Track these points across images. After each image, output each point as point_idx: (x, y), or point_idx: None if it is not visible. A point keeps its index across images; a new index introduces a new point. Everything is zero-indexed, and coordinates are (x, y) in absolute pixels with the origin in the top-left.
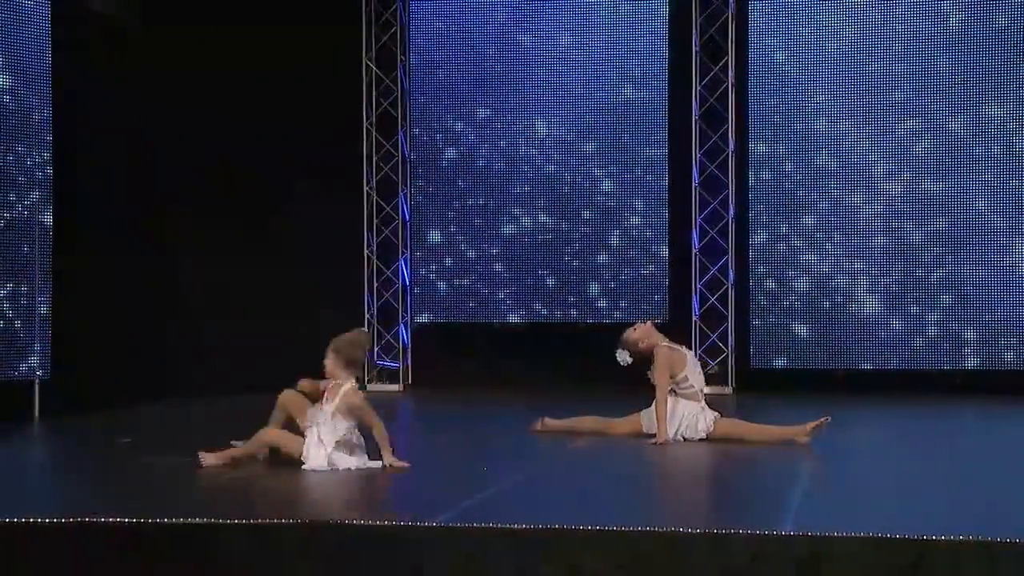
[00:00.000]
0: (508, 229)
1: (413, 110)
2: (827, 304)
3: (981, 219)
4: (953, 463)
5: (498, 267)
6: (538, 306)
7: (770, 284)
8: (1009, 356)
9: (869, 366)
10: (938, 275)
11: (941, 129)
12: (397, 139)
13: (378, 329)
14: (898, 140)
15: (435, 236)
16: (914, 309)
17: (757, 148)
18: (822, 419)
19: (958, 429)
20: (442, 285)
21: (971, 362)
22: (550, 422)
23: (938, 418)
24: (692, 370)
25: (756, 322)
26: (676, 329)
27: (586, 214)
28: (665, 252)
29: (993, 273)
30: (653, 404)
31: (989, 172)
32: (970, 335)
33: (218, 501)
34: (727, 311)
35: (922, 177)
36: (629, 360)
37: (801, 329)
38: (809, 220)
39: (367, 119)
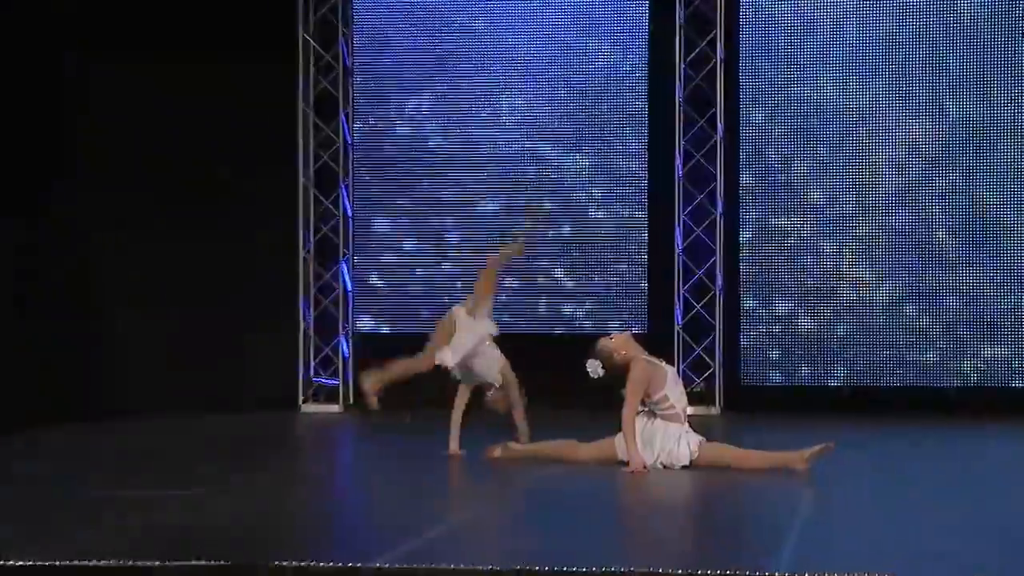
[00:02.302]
0: (465, 226)
1: (357, 90)
2: (829, 312)
3: (996, 219)
4: (974, 494)
5: (453, 269)
6: (499, 313)
7: (764, 289)
8: None
9: (879, 382)
10: (959, 275)
11: (957, 118)
12: (338, 123)
13: (315, 341)
14: (912, 129)
15: (382, 234)
16: (932, 316)
17: (749, 135)
18: (824, 445)
19: (979, 454)
20: (389, 290)
21: (996, 379)
22: (513, 447)
23: (959, 442)
24: (673, 388)
25: (748, 333)
26: (657, 341)
27: (554, 209)
28: (644, 253)
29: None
30: None
31: (1005, 168)
32: (999, 349)
33: (151, 540)
34: (714, 320)
35: (936, 169)
36: (601, 373)
37: (799, 341)
38: (809, 217)
39: (303, 100)
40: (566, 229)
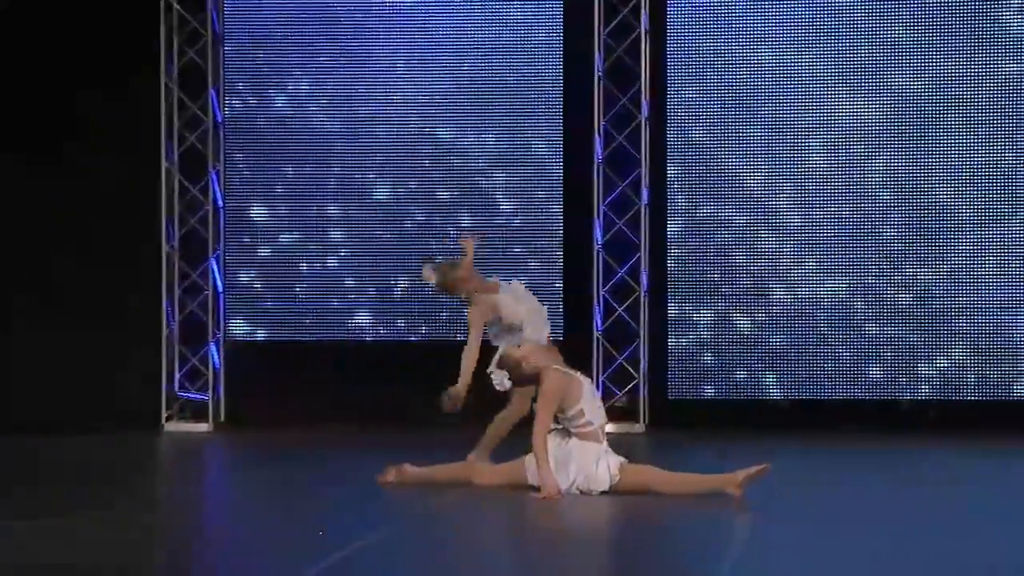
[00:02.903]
0: (352, 218)
1: (228, 62)
2: (767, 316)
3: (953, 213)
4: (922, 519)
5: (338, 267)
6: (391, 318)
7: (695, 291)
8: (987, 384)
9: (822, 394)
10: (910, 274)
11: (912, 96)
12: (207, 99)
13: (180, 350)
14: (860, 108)
15: (257, 228)
16: (882, 320)
17: (678, 114)
18: (760, 466)
19: (929, 473)
20: (266, 292)
21: (949, 391)
22: (408, 469)
23: (909, 460)
24: (590, 402)
25: (676, 340)
26: (573, 349)
27: (454, 199)
28: (559, 249)
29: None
30: None
31: (962, 161)
32: (948, 360)
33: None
34: (639, 325)
35: (886, 151)
36: (508, 384)
37: (734, 349)
38: (745, 208)
39: (166, 73)
40: (468, 222)
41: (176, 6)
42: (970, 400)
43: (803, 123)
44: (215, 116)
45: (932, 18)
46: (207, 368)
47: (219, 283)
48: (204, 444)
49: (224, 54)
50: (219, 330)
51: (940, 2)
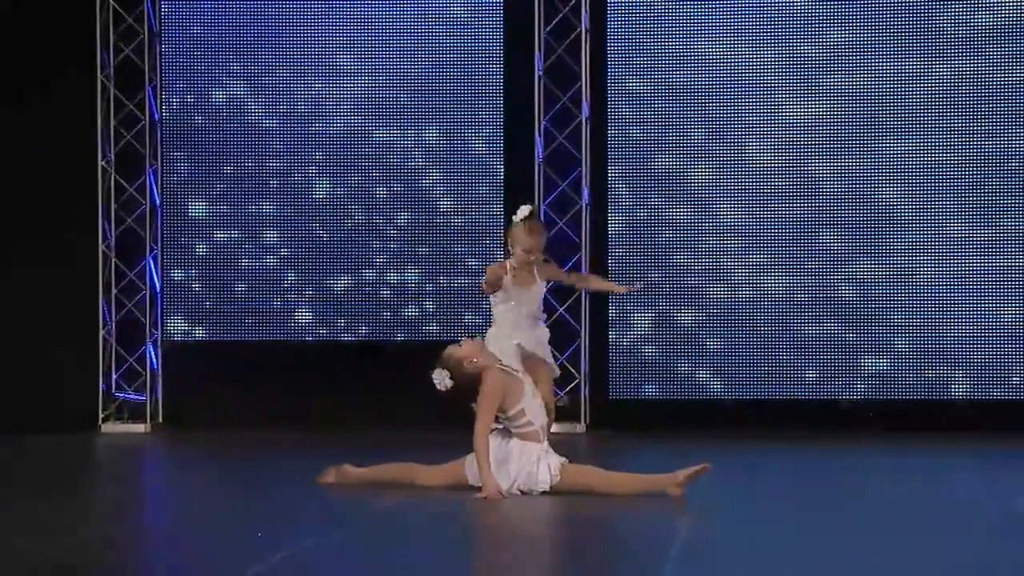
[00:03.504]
0: (292, 218)
1: (166, 58)
2: (709, 315)
3: (895, 208)
4: (859, 519)
5: (278, 265)
6: (332, 318)
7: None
8: (924, 383)
9: (764, 394)
10: (853, 274)
11: (853, 96)
12: (144, 97)
13: (117, 351)
14: (798, 107)
15: (195, 227)
16: (824, 319)
17: (619, 114)
18: (700, 465)
19: (868, 474)
20: (205, 291)
21: (891, 391)
22: (349, 470)
23: (849, 460)
24: (531, 401)
25: (617, 340)
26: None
27: (394, 198)
28: (499, 247)
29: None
30: None
31: (903, 159)
32: (888, 359)
33: None
34: (580, 325)
35: (830, 152)
36: (449, 384)
37: (677, 348)
38: (687, 207)
39: (102, 70)
40: (408, 220)
41: (111, 2)
42: (910, 399)
43: (743, 122)
44: (152, 114)
45: (874, 18)
46: (144, 369)
47: (156, 282)
48: (142, 445)
49: (161, 52)
50: (157, 330)
51: (883, 1)
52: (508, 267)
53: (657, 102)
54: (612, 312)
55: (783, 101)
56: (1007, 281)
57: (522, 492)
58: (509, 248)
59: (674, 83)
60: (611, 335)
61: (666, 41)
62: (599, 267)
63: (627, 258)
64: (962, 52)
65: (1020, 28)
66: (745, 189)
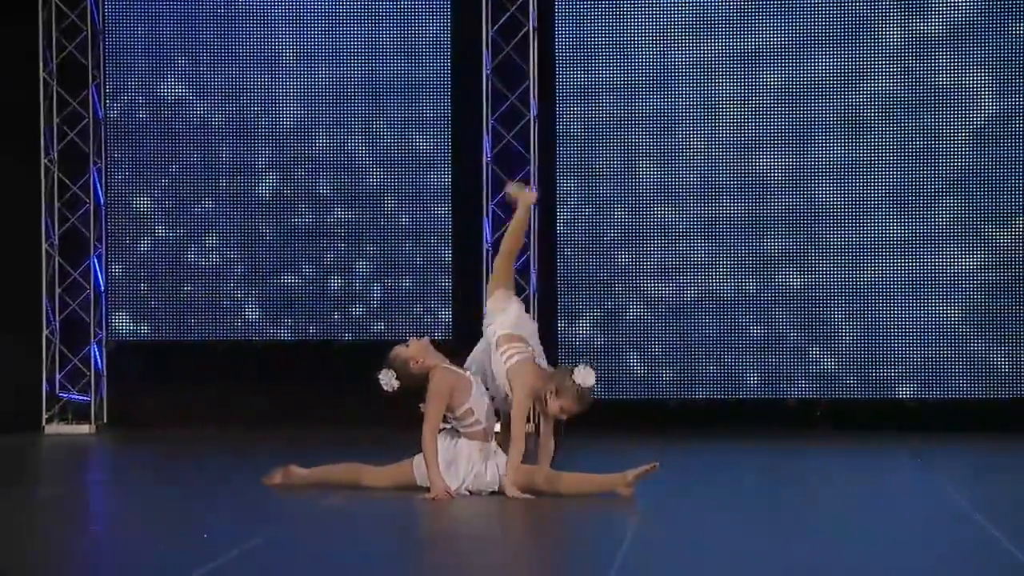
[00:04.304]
0: (241, 217)
1: (109, 56)
2: (657, 316)
3: (846, 204)
4: (809, 517)
5: (223, 264)
6: (279, 317)
7: (584, 289)
8: (881, 381)
9: (712, 393)
10: (798, 271)
11: (790, 87)
12: (88, 95)
13: (61, 350)
14: (745, 99)
15: (141, 225)
16: (769, 318)
17: (567, 111)
18: (649, 465)
19: (811, 474)
20: (150, 291)
21: (842, 389)
22: (295, 471)
23: (794, 459)
24: (479, 401)
25: (565, 341)
26: (463, 347)
27: (341, 196)
28: (447, 248)
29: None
30: None
31: (850, 152)
32: (839, 355)
33: None
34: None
35: (779, 148)
36: (396, 384)
37: (624, 348)
38: (635, 207)
39: (44, 67)
40: (354, 218)
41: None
42: (858, 398)
43: (691, 114)
44: (96, 112)
45: (823, 13)
46: (89, 369)
47: (100, 281)
48: (87, 446)
49: (105, 49)
50: (101, 329)
51: None
52: (546, 396)
53: (605, 99)
54: (560, 307)
55: (728, 93)
56: (937, 275)
57: (470, 492)
58: (549, 388)
59: (622, 80)
60: (559, 333)
61: (613, 35)
62: (548, 267)
63: (576, 257)
64: (899, 54)
65: (953, 32)
66: (693, 182)
